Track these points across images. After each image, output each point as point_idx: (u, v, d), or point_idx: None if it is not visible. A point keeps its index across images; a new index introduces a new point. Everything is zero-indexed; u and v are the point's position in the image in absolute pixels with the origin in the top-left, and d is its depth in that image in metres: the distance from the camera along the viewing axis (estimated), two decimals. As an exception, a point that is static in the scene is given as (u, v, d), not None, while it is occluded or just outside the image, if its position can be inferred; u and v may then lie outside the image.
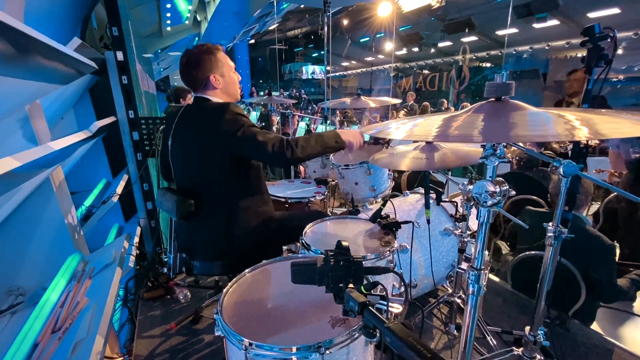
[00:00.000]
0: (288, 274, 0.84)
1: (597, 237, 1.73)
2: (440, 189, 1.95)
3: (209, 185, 1.55)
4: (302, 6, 12.77)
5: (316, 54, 21.48)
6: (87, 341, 1.20)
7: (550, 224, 1.25)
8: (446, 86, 14.10)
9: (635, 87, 9.96)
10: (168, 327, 1.88)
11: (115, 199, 2.41)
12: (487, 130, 0.80)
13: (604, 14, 9.13)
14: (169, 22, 11.70)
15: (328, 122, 3.93)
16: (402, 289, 1.38)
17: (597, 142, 3.58)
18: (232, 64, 1.61)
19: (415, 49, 15.15)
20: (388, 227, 1.44)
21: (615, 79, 9.70)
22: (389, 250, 1.32)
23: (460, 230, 1.72)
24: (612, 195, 2.48)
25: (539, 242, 1.53)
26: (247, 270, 1.20)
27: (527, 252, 1.88)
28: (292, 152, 1.42)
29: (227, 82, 1.58)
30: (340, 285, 0.78)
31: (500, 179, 0.86)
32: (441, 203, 1.82)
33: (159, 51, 12.98)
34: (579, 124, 0.75)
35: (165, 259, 2.30)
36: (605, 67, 1.25)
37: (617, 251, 1.89)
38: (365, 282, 0.82)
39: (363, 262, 0.80)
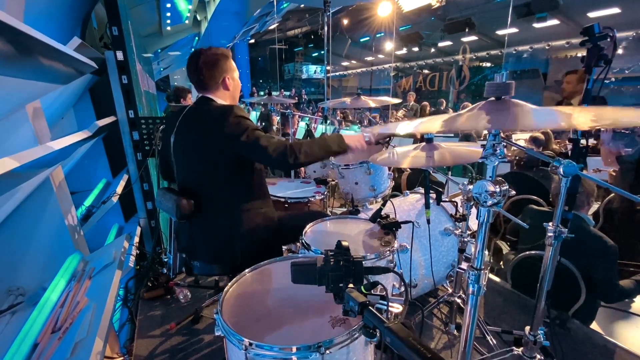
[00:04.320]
0: (288, 274, 0.84)
1: (599, 237, 1.73)
2: (440, 189, 1.95)
3: (211, 186, 1.55)
4: (302, 6, 12.76)
5: (316, 54, 21.46)
6: (87, 341, 1.20)
7: (550, 223, 1.25)
8: (446, 86, 14.10)
9: (633, 88, 9.96)
10: (168, 327, 1.88)
11: (115, 199, 2.42)
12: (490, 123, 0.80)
13: (604, 13, 9.15)
14: (169, 21, 11.65)
15: (328, 121, 3.93)
16: (402, 288, 1.38)
17: (595, 142, 3.59)
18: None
19: (415, 49, 15.17)
20: (388, 227, 1.44)
21: (614, 79, 9.71)
22: (389, 250, 1.32)
23: (460, 230, 1.72)
24: (612, 195, 2.48)
25: (541, 241, 1.53)
26: (247, 270, 1.20)
27: (527, 252, 1.88)
28: (295, 158, 1.43)
29: (236, 85, 1.62)
30: (340, 285, 0.78)
31: (500, 179, 0.86)
32: (441, 203, 1.82)
33: (159, 51, 12.95)
34: (577, 114, 0.75)
35: (165, 259, 2.30)
36: (605, 66, 1.25)
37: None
38: (365, 282, 0.82)
39: (363, 262, 0.80)
